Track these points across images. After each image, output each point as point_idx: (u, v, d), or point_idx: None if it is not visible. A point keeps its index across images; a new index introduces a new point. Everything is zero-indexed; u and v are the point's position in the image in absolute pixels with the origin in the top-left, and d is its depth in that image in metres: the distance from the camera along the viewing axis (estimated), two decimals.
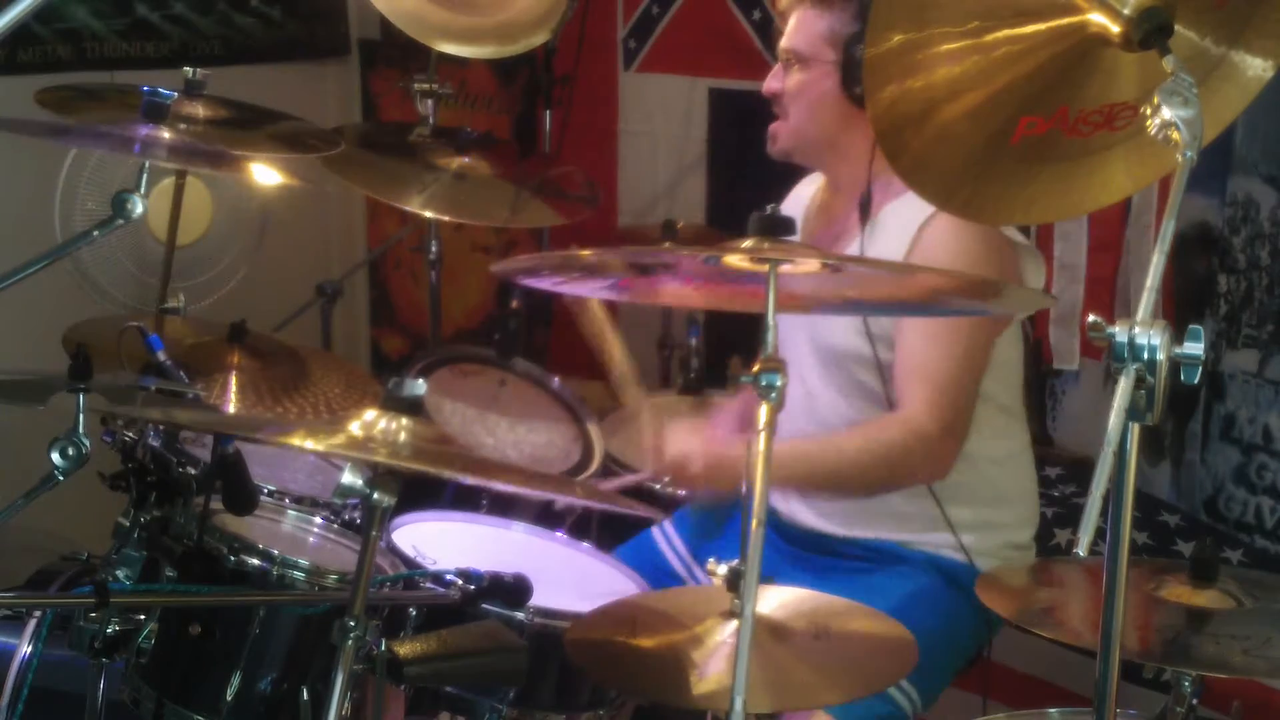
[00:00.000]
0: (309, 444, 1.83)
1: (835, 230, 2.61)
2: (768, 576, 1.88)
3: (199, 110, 2.70)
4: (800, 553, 2.61)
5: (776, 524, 2.62)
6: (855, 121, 2.48)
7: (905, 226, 2.45)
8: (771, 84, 2.62)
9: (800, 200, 2.74)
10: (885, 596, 2.37)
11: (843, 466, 2.45)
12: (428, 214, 3.32)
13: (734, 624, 1.87)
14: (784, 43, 2.61)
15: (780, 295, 1.71)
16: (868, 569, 2.55)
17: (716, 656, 1.84)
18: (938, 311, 2.30)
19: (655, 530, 2.80)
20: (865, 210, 2.51)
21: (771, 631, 1.89)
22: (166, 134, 2.41)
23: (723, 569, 1.88)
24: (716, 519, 2.70)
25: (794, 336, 2.57)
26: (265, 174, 2.58)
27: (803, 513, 2.63)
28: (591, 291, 2.25)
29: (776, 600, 1.99)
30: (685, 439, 2.47)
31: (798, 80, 2.57)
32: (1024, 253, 2.56)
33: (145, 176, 2.25)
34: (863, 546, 2.58)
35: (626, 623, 2.01)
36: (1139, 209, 3.11)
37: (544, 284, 2.08)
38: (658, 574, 2.63)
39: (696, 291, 2.14)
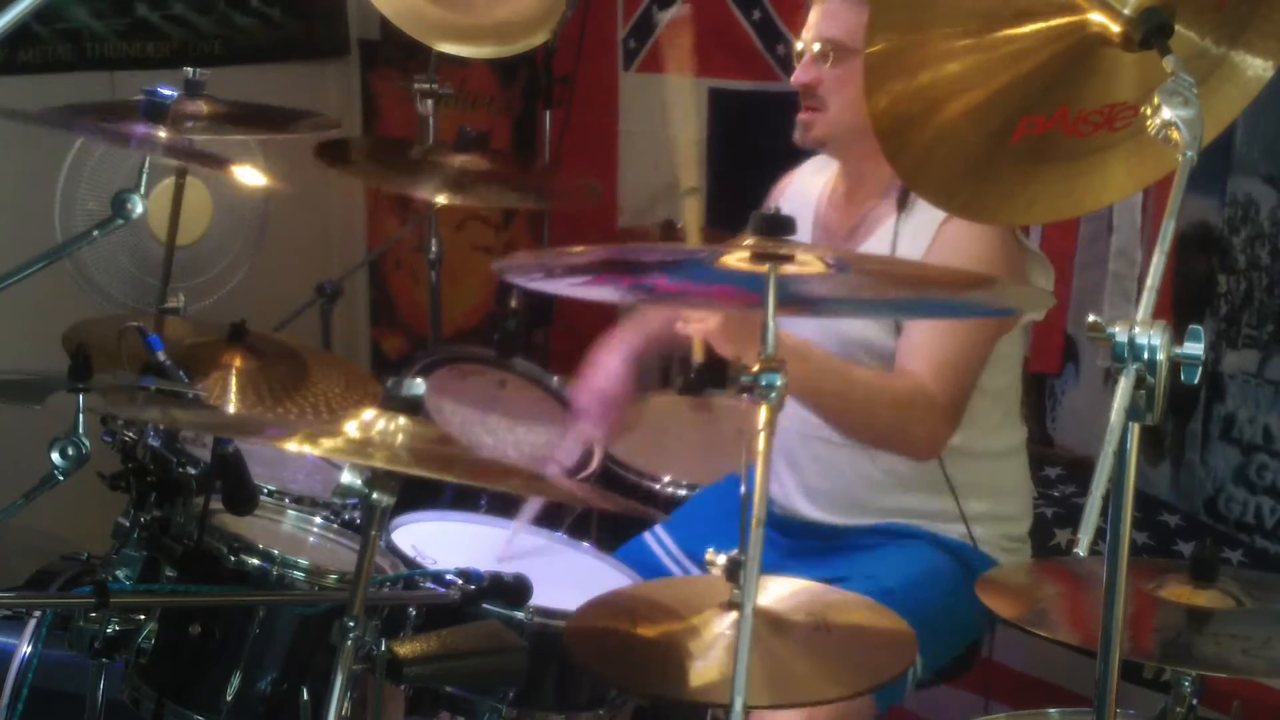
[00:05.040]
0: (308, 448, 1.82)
1: (853, 223, 2.61)
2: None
3: (199, 110, 2.70)
4: (797, 543, 2.61)
5: (773, 518, 2.62)
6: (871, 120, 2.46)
7: (929, 222, 2.46)
8: (803, 75, 2.57)
9: (808, 192, 2.72)
10: (890, 568, 2.38)
11: (853, 390, 2.39)
12: (439, 200, 3.31)
13: (733, 615, 1.86)
14: (818, 33, 2.55)
15: (782, 298, 1.71)
16: (871, 547, 2.56)
17: (715, 648, 1.84)
18: (946, 312, 2.30)
19: (647, 535, 2.80)
20: (905, 197, 2.51)
21: (771, 624, 1.89)
22: (165, 134, 2.41)
23: (722, 559, 1.87)
24: (713, 520, 2.70)
25: (805, 322, 2.57)
26: (252, 176, 2.57)
27: (801, 504, 2.63)
28: (591, 294, 2.23)
29: (776, 593, 1.99)
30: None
31: (839, 72, 2.52)
32: (1031, 259, 2.56)
33: (145, 176, 2.25)
34: (864, 530, 2.60)
35: (625, 614, 2.01)
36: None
37: (544, 286, 2.07)
38: (652, 577, 2.63)
39: (698, 293, 2.14)
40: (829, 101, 2.56)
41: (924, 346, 2.44)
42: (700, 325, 2.28)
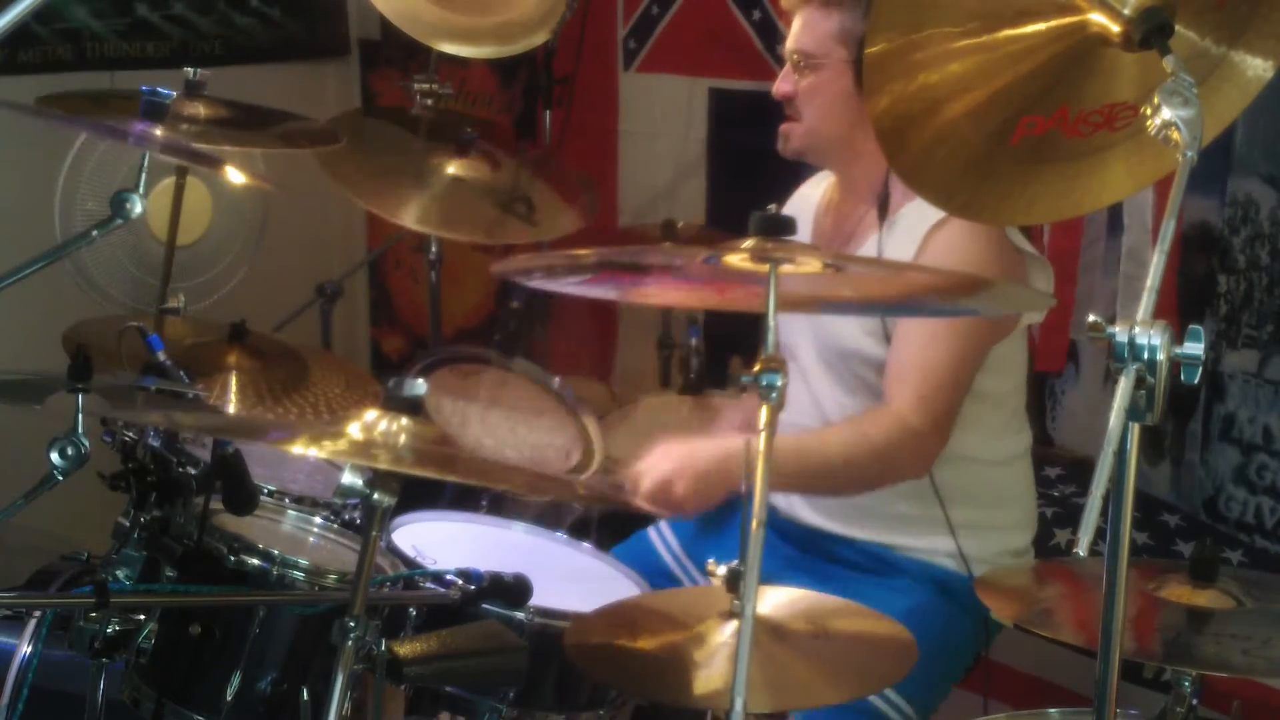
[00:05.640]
0: (313, 451, 1.83)
1: (848, 229, 2.61)
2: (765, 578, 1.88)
3: (199, 110, 2.70)
4: (797, 554, 2.61)
5: (775, 522, 2.61)
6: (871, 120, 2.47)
7: (916, 228, 2.45)
8: (782, 86, 2.60)
9: (808, 201, 2.73)
10: (882, 611, 2.37)
11: (833, 461, 2.44)
12: (423, 229, 3.34)
13: (734, 624, 1.87)
14: (791, 44, 2.58)
15: (781, 295, 1.71)
16: (865, 580, 2.54)
17: (716, 656, 1.84)
18: (941, 312, 2.30)
19: (650, 530, 2.80)
20: (884, 209, 2.51)
21: (771, 631, 1.89)
22: (164, 133, 2.41)
23: (722, 570, 1.88)
24: (715, 519, 2.70)
25: (797, 331, 2.56)
26: (239, 175, 2.57)
27: (803, 509, 2.62)
28: (590, 292, 2.24)
29: (776, 600, 1.99)
30: (661, 462, 2.41)
31: (810, 82, 2.55)
32: (1031, 262, 2.56)
33: (145, 176, 2.25)
34: (860, 550, 2.58)
35: (626, 624, 2.01)
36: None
37: (544, 285, 2.07)
38: (653, 574, 2.63)
39: (696, 292, 2.14)
40: (803, 111, 2.58)
41: (910, 371, 2.44)
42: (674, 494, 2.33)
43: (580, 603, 2.18)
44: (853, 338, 2.52)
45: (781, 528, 2.63)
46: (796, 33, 2.57)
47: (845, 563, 2.58)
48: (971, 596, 2.37)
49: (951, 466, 2.51)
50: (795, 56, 2.57)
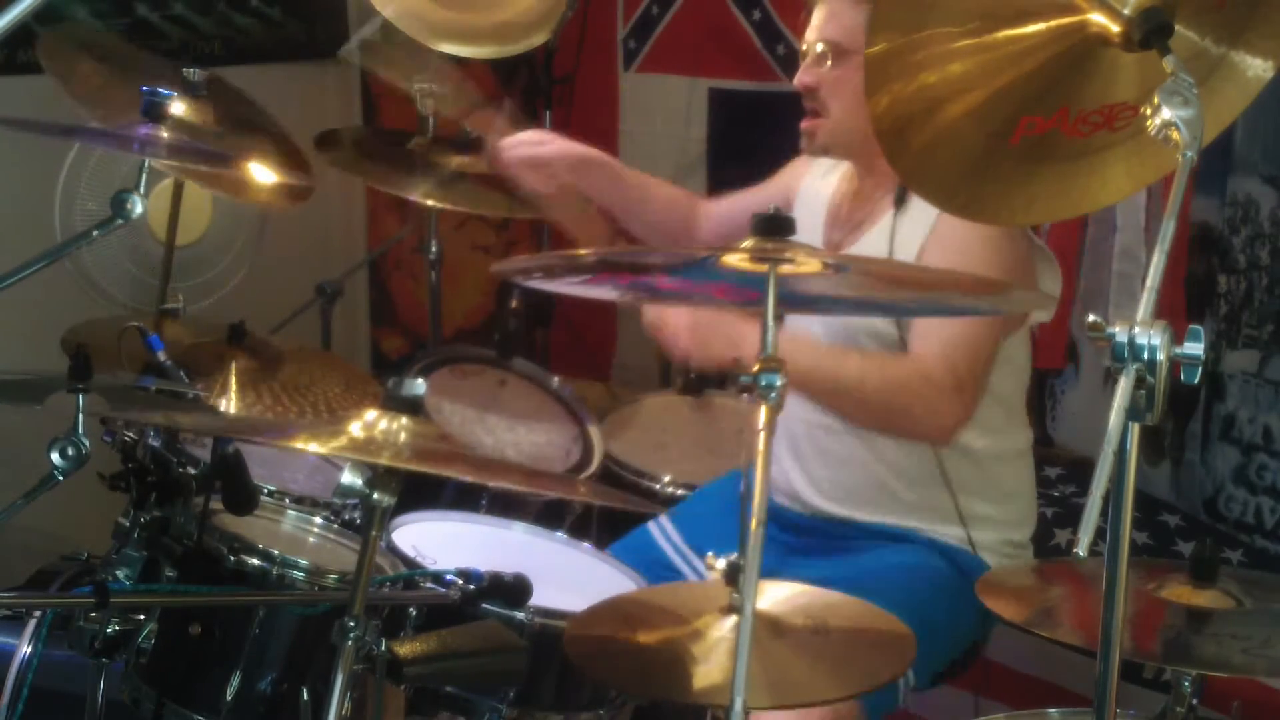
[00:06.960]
0: (311, 446, 1.83)
1: (860, 216, 2.61)
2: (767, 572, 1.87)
3: (199, 110, 2.70)
4: (800, 543, 2.61)
5: (777, 510, 2.61)
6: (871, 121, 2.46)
7: (926, 211, 2.44)
8: (804, 78, 2.56)
9: (819, 192, 2.71)
10: (888, 572, 2.38)
11: (847, 376, 2.40)
12: (429, 202, 3.33)
13: (733, 619, 1.86)
14: (815, 34, 2.54)
15: (782, 296, 1.71)
16: (870, 548, 2.55)
17: (716, 652, 1.84)
18: (946, 311, 2.30)
19: (651, 525, 2.79)
20: (901, 199, 2.50)
21: (770, 627, 1.89)
22: (165, 134, 2.41)
23: (721, 563, 1.87)
24: (716, 509, 2.70)
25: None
26: (262, 173, 2.59)
27: (806, 492, 2.62)
28: (590, 292, 2.24)
29: (775, 596, 1.99)
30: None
31: (837, 74, 2.51)
32: (1039, 256, 2.56)
33: (145, 176, 2.25)
34: (866, 531, 2.58)
35: (625, 619, 2.01)
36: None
37: (543, 285, 2.08)
38: (655, 568, 2.63)
39: (697, 292, 2.14)
40: (829, 104, 2.55)
41: (931, 333, 2.42)
42: (670, 335, 2.28)
43: (580, 603, 2.17)
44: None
45: (783, 519, 2.62)
46: (821, 23, 2.54)
47: (845, 545, 2.59)
48: (977, 572, 2.37)
49: (954, 459, 2.52)
50: (821, 47, 2.53)
